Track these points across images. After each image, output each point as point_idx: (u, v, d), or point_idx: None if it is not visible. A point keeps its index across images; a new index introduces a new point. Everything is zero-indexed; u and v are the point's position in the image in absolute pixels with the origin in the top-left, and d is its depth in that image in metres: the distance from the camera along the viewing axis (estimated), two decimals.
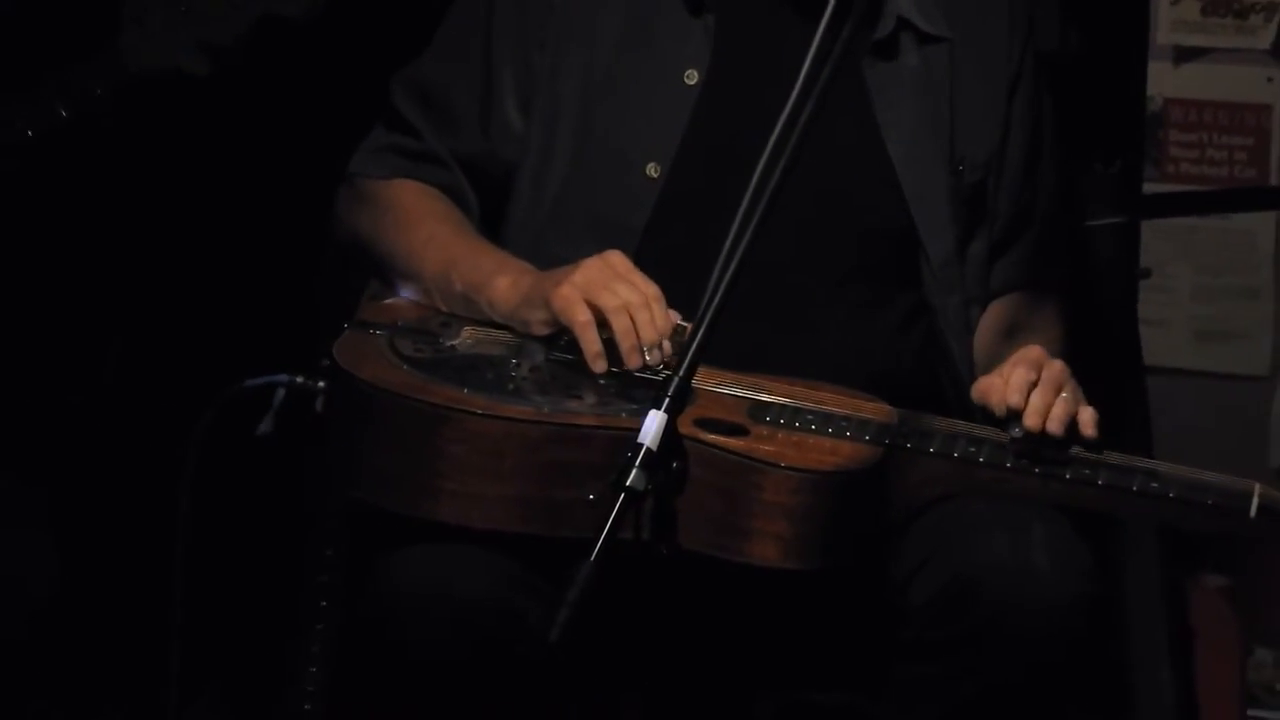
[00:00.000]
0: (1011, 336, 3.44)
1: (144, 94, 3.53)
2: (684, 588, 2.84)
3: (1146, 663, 4.02)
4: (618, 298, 3.00)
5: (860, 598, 2.97)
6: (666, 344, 2.97)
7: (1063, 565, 2.89)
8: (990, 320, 3.46)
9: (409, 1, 3.95)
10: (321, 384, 3.12)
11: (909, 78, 3.36)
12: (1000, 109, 3.46)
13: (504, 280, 3.14)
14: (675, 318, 2.99)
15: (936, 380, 3.31)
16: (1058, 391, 2.94)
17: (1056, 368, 2.97)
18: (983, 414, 3.06)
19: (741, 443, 2.80)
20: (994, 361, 3.30)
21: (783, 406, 2.94)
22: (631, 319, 3.00)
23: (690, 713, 3.15)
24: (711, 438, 2.75)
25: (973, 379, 3.24)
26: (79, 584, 4.11)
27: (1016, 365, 3.01)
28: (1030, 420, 2.90)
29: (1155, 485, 2.90)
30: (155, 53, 3.47)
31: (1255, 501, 2.83)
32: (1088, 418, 2.93)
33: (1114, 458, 2.97)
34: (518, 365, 3.08)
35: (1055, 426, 2.90)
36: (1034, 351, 3.04)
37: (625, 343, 2.99)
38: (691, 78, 3.30)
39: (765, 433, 2.87)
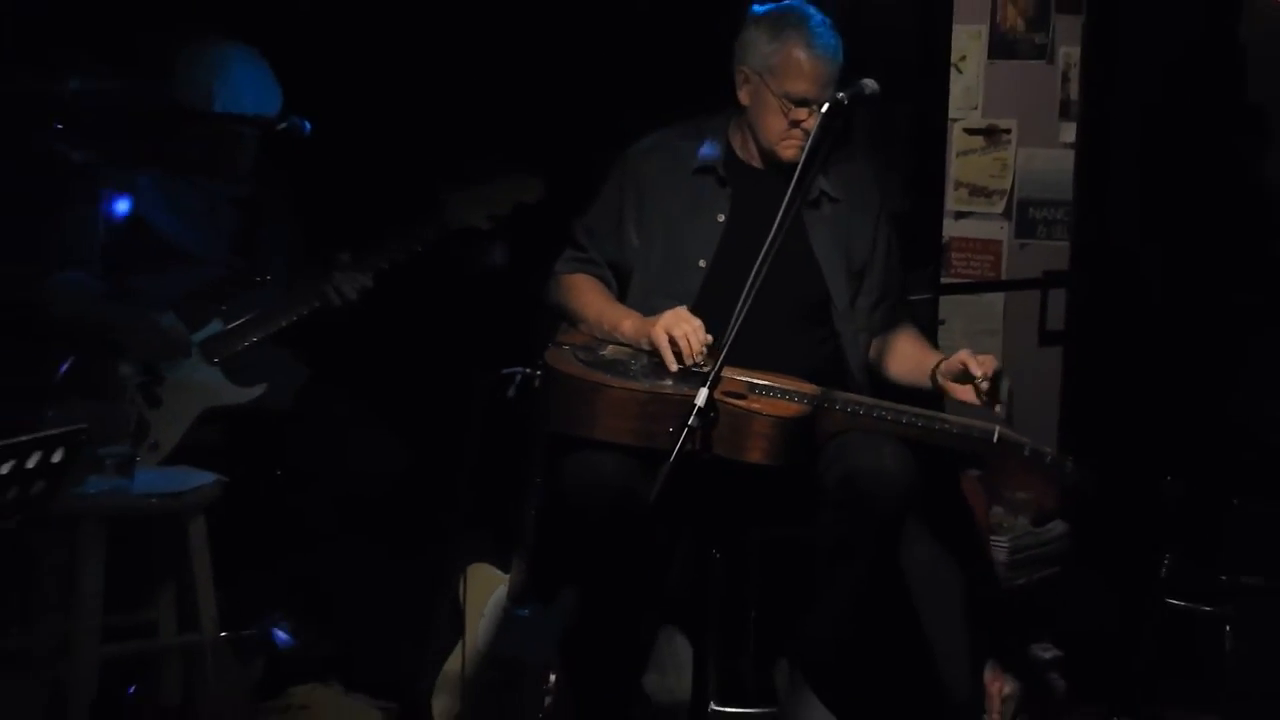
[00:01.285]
0: (892, 351, 4.26)
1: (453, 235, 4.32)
2: (715, 475, 3.60)
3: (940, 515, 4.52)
4: (680, 330, 3.85)
5: (801, 481, 3.81)
6: (703, 354, 3.80)
7: (899, 466, 3.79)
8: (879, 344, 4.28)
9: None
10: (538, 372, 4.04)
11: (826, 218, 4.15)
12: (869, 234, 4.24)
13: (627, 322, 4.05)
14: (708, 340, 3.81)
15: (840, 372, 4.13)
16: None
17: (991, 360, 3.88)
18: (868, 383, 4.14)
19: (742, 403, 3.70)
20: (886, 362, 4.26)
21: (763, 385, 3.81)
22: (687, 341, 3.83)
23: (719, 543, 3.88)
24: (729, 400, 3.59)
25: (859, 373, 4.21)
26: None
27: (970, 358, 3.87)
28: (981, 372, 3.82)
29: (945, 427, 3.86)
30: (463, 216, 4.34)
31: (996, 434, 3.78)
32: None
33: (929, 414, 3.89)
34: (633, 364, 3.95)
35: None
36: (963, 354, 3.86)
37: (683, 353, 3.83)
38: (720, 218, 4.14)
39: (755, 398, 3.75)
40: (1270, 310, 5.58)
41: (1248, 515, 5.41)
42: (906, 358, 4.20)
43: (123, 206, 4.45)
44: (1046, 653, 4.84)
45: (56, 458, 2.31)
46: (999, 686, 4.70)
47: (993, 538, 4.88)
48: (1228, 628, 5.20)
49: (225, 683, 3.70)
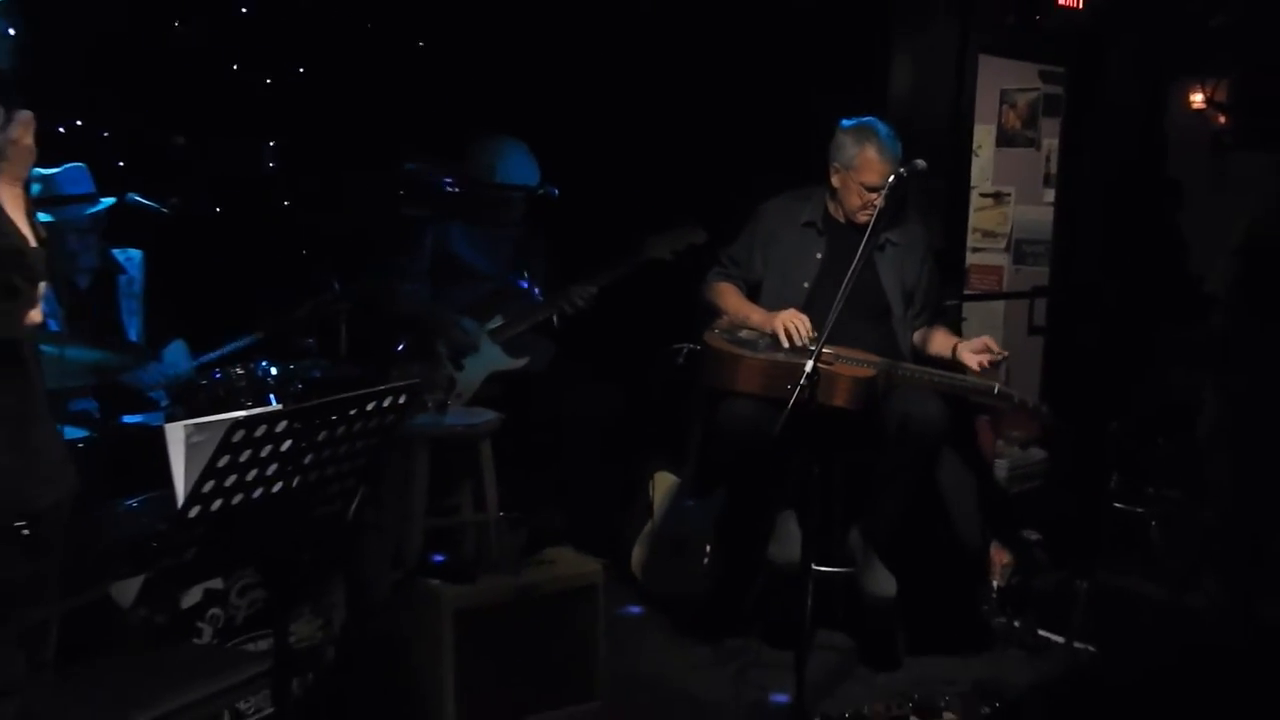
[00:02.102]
0: (930, 338, 4.11)
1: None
2: (814, 417, 3.36)
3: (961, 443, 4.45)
4: (793, 323, 3.83)
5: (870, 421, 3.79)
6: (809, 339, 3.76)
7: (937, 412, 3.77)
8: (922, 334, 4.12)
9: None
10: (698, 347, 4.03)
11: (888, 256, 4.04)
12: (918, 267, 4.11)
13: (755, 315, 4.00)
14: (812, 329, 3.79)
15: (895, 352, 3.96)
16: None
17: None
18: (917, 358, 4.01)
19: (834, 367, 3.66)
20: (926, 345, 4.11)
21: (846, 356, 3.74)
22: (797, 329, 3.82)
23: (817, 460, 3.59)
24: (823, 366, 3.45)
25: (907, 353, 4.04)
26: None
27: (974, 341, 3.87)
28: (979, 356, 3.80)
29: (963, 384, 3.80)
30: (655, 251, 4.30)
31: (996, 389, 3.74)
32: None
33: (952, 376, 3.83)
34: (760, 342, 3.89)
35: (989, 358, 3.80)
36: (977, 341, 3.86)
37: (793, 337, 3.82)
38: (818, 256, 4.06)
39: (840, 365, 3.71)
40: (1180, 314, 5.33)
41: (1167, 448, 5.35)
42: (938, 343, 4.07)
43: (440, 244, 4.46)
44: (1032, 536, 4.73)
45: (402, 401, 2.31)
46: (1000, 557, 4.57)
47: (996, 460, 4.82)
48: (1153, 523, 5.16)
49: (502, 546, 3.68)
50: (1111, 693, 3.81)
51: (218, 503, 2.03)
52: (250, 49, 4.56)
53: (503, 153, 4.39)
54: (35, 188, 3.31)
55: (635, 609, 4.46)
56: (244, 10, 4.60)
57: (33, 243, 2.21)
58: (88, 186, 3.52)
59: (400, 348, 4.30)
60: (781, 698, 3.61)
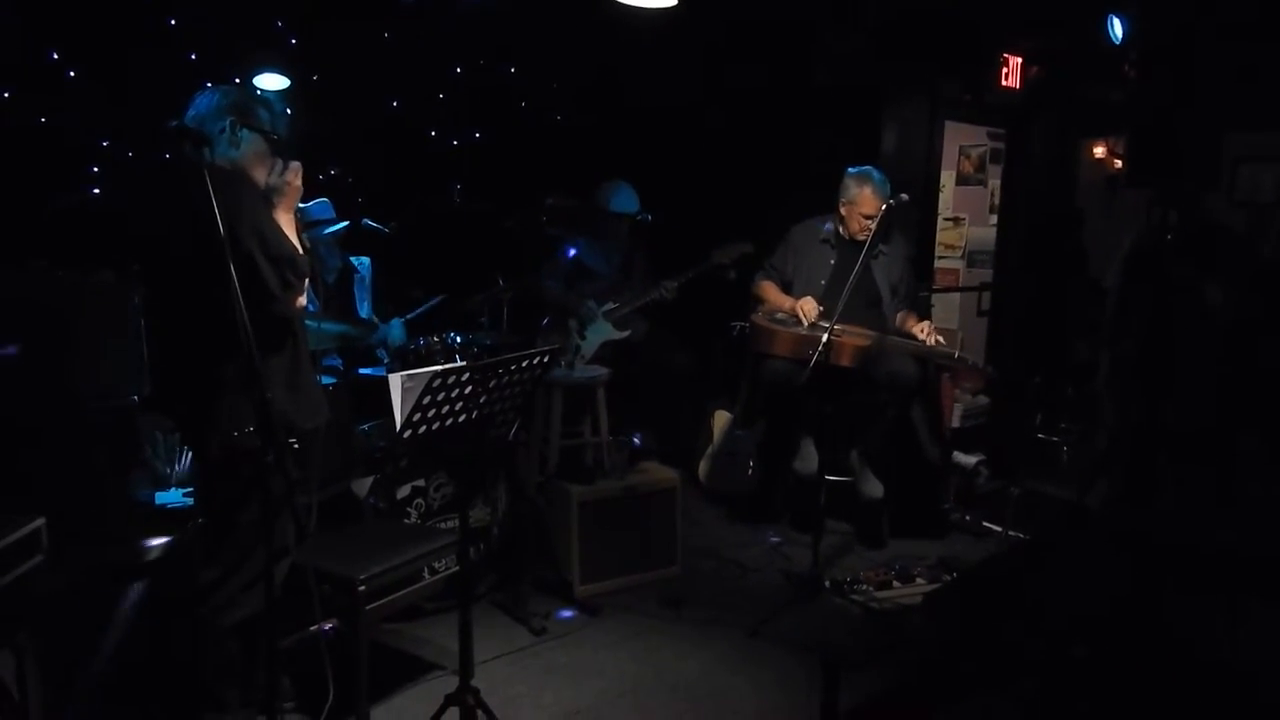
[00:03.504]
0: (906, 318, 3.88)
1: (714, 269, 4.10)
2: (828, 373, 3.32)
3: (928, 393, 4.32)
4: (809, 305, 3.73)
5: (867, 375, 3.67)
6: (815, 316, 3.69)
7: (913, 369, 3.65)
8: (902, 315, 3.88)
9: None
10: (745, 324, 3.97)
11: (880, 261, 3.88)
12: (900, 268, 3.95)
13: (788, 303, 3.86)
14: (821, 309, 3.69)
15: (885, 328, 3.75)
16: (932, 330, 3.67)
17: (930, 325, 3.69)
18: (898, 333, 3.81)
19: (841, 339, 3.52)
20: (903, 324, 3.85)
21: (851, 330, 3.60)
22: (805, 309, 3.72)
23: (830, 402, 3.55)
24: (834, 338, 3.36)
25: (892, 328, 3.81)
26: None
27: (923, 321, 3.75)
28: (930, 335, 3.65)
29: (931, 350, 3.65)
30: (718, 260, 4.09)
31: (956, 354, 3.60)
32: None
33: (922, 344, 3.67)
34: (791, 321, 3.78)
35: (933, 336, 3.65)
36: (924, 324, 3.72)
37: (806, 314, 3.72)
38: (831, 262, 3.91)
39: (846, 337, 3.58)
40: (1083, 302, 5.17)
41: (1074, 395, 5.18)
42: (909, 322, 3.85)
43: (572, 254, 4.43)
44: (977, 458, 4.55)
45: (545, 360, 2.29)
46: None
47: (953, 404, 4.60)
48: (1064, 447, 5.03)
49: (613, 459, 3.63)
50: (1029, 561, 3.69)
51: (423, 428, 2.03)
52: (440, 121, 4.60)
53: (614, 190, 4.33)
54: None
55: (714, 509, 4.39)
56: (441, 96, 4.64)
57: (301, 252, 2.24)
58: (330, 213, 3.53)
59: (544, 323, 4.27)
60: (802, 569, 3.56)
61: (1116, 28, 4.38)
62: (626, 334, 4.30)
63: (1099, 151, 5.89)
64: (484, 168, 4.63)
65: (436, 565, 2.66)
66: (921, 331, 3.72)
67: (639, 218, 4.34)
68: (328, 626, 2.40)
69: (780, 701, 2.70)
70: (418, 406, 1.97)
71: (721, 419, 4.45)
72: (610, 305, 4.30)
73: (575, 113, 4.82)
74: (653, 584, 3.49)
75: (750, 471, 4.23)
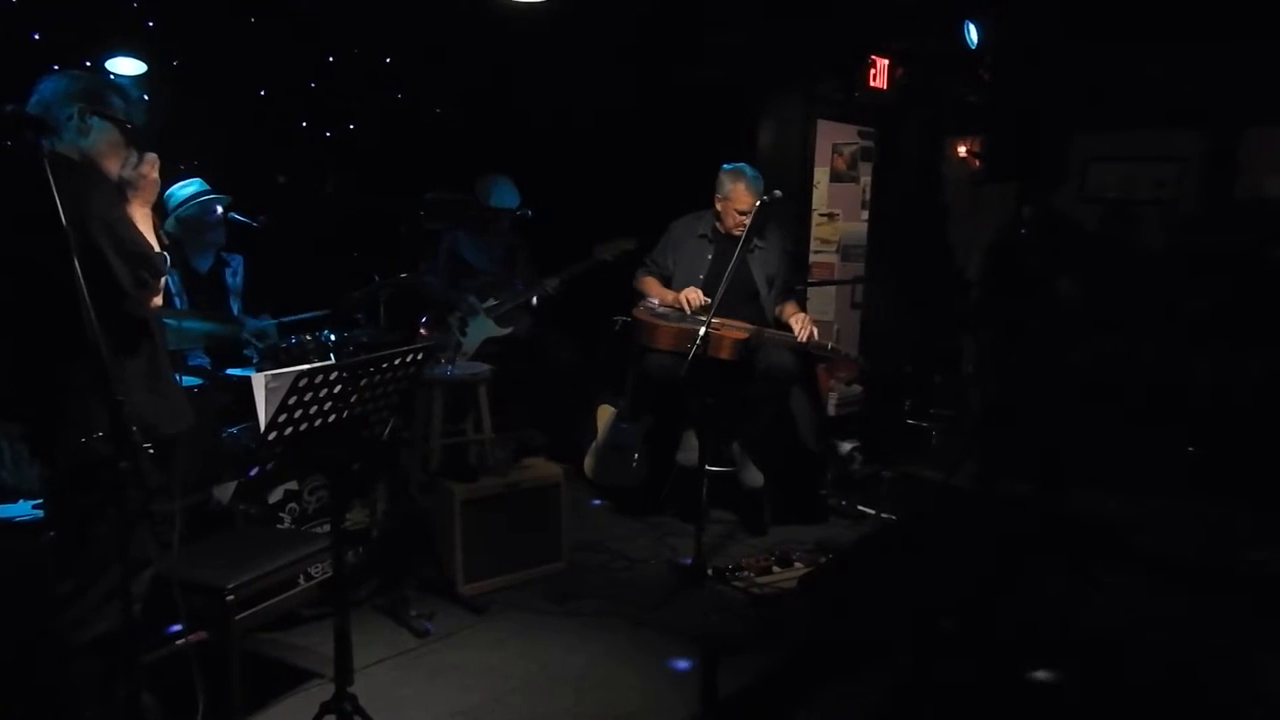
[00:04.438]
0: (783, 310, 3.97)
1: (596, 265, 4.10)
2: (707, 365, 3.45)
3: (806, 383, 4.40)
4: (694, 294, 3.77)
5: (747, 368, 3.74)
6: (700, 304, 3.72)
7: (791, 361, 3.73)
8: (779, 306, 3.97)
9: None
10: (628, 319, 3.95)
11: (757, 255, 3.94)
12: (776, 261, 4.01)
13: (669, 295, 3.90)
14: (705, 300, 3.72)
15: (763, 320, 3.86)
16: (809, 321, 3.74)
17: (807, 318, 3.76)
18: (776, 325, 3.91)
19: (720, 331, 3.60)
20: (781, 314, 3.94)
21: (729, 324, 3.68)
22: (688, 299, 3.77)
23: (710, 394, 3.61)
24: (713, 331, 3.44)
25: (771, 321, 3.91)
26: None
27: (800, 313, 3.83)
28: (805, 330, 3.71)
29: (806, 341, 3.69)
30: (601, 256, 4.10)
31: (830, 345, 3.73)
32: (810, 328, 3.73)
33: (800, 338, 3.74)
34: (672, 314, 3.82)
35: (807, 330, 3.72)
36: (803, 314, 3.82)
37: (690, 302, 3.76)
38: (709, 256, 3.97)
39: (725, 330, 3.64)
40: (948, 293, 5.40)
41: (942, 382, 5.37)
42: (786, 314, 3.95)
43: (452, 249, 4.35)
44: (852, 445, 4.71)
45: (418, 357, 2.25)
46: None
47: (829, 393, 4.74)
48: (934, 432, 5.18)
49: (495, 456, 3.62)
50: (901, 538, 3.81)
51: (289, 430, 1.97)
52: (312, 112, 4.45)
53: (494, 185, 4.28)
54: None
55: (596, 501, 4.40)
56: (313, 85, 4.49)
57: (157, 248, 2.13)
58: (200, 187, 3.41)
59: (424, 320, 4.18)
60: (687, 559, 3.59)
61: (972, 33, 4.58)
62: (509, 330, 4.25)
63: (962, 150, 6.12)
64: (359, 161, 4.50)
65: (312, 571, 2.58)
66: (797, 324, 3.80)
67: (520, 213, 4.29)
68: (195, 639, 2.29)
69: (666, 689, 2.73)
70: (283, 407, 1.91)
71: (606, 413, 4.46)
72: (492, 302, 4.25)
73: (454, 106, 4.73)
74: (540, 580, 3.47)
75: (636, 464, 4.25)
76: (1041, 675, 2.51)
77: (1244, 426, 4.44)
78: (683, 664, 2.71)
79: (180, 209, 3.41)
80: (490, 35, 4.44)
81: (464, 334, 4.17)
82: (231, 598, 2.31)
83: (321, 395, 1.99)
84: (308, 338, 3.29)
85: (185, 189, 3.45)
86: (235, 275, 3.74)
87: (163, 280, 2.17)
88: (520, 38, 4.43)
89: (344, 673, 2.24)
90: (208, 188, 3.47)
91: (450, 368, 3.76)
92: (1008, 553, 3.21)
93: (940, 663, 2.53)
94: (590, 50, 4.72)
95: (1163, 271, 5.21)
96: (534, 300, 4.28)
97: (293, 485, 3.06)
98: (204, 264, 3.56)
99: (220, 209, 3.46)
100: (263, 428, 1.97)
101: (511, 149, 4.54)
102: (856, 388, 5.20)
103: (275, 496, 3.02)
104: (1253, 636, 3.08)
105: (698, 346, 3.27)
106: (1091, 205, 6.05)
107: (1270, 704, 2.62)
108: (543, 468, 3.62)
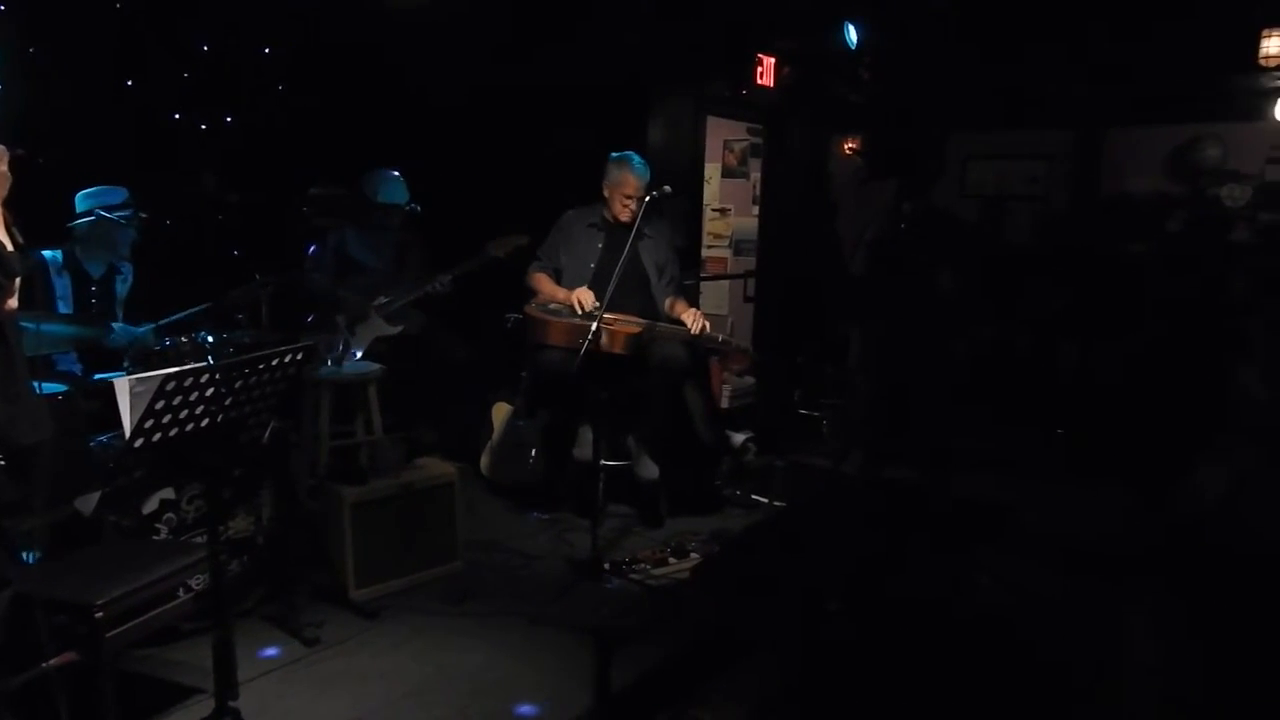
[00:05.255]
0: (673, 304, 3.99)
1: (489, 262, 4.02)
2: (600, 360, 3.46)
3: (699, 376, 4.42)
4: (586, 296, 3.76)
5: (640, 362, 3.74)
6: (591, 306, 3.70)
7: (684, 354, 3.76)
8: (669, 300, 3.99)
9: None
10: (519, 315, 3.92)
11: (647, 244, 3.96)
12: (666, 252, 4.05)
13: (560, 293, 3.89)
14: (596, 301, 3.70)
15: (655, 314, 3.90)
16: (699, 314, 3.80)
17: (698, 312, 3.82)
18: (668, 318, 3.92)
19: (613, 326, 3.61)
20: (671, 309, 3.96)
21: (621, 319, 3.70)
22: (581, 300, 3.76)
23: (605, 388, 3.53)
24: (606, 326, 3.50)
25: (662, 315, 3.93)
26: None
27: (690, 308, 3.88)
28: (697, 323, 3.76)
29: (699, 334, 3.77)
30: (493, 252, 4.02)
31: (722, 337, 3.79)
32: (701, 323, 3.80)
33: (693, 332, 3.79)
34: (564, 311, 3.80)
35: (699, 323, 3.77)
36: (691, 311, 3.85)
37: (583, 304, 3.74)
38: (599, 245, 3.97)
39: (618, 325, 3.66)
40: (836, 286, 5.50)
41: (832, 372, 5.50)
42: (678, 309, 3.98)
43: (339, 247, 4.24)
44: (745, 435, 4.78)
45: (298, 357, 2.20)
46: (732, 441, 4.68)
47: (723, 385, 4.79)
48: (824, 421, 5.33)
49: (386, 457, 3.54)
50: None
51: (157, 435, 1.88)
52: (186, 103, 4.27)
53: (381, 180, 4.18)
54: None
55: (496, 501, 4.34)
56: (185, 75, 4.29)
57: (10, 248, 1.98)
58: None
59: (310, 319, 4.05)
60: (584, 554, 3.58)
61: (851, 34, 4.72)
62: (400, 329, 4.16)
63: (848, 148, 6.37)
64: (238, 154, 4.33)
65: (193, 583, 2.45)
66: (689, 318, 3.83)
67: (409, 209, 4.21)
68: (61, 661, 2.15)
69: (564, 684, 2.72)
70: (150, 412, 1.82)
71: (502, 410, 4.41)
72: (382, 300, 4.15)
73: (338, 98, 4.57)
74: (435, 581, 3.41)
75: (533, 461, 4.22)
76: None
77: (1105, 409, 4.69)
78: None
79: (90, 217, 3.33)
80: (376, 26, 4.34)
81: (353, 333, 4.06)
82: (101, 615, 2.17)
83: (192, 399, 1.90)
84: (183, 340, 3.13)
85: (107, 196, 3.37)
86: (125, 282, 3.61)
87: (16, 282, 2.01)
88: (408, 29, 4.33)
89: (226, 686, 2.17)
90: (127, 198, 3.39)
91: (339, 368, 3.66)
92: (893, 535, 3.33)
93: (829, 644, 2.59)
94: (482, 44, 4.66)
95: (1033, 264, 5.52)
96: (428, 298, 4.17)
97: (170, 494, 2.90)
98: (96, 270, 3.45)
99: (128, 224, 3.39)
100: (127, 434, 1.86)
101: (400, 144, 4.43)
102: (749, 379, 5.30)
103: (150, 506, 2.85)
104: (1119, 610, 3.22)
105: (590, 342, 3.26)
106: (970, 201, 6.37)
107: (1131, 672, 2.76)
108: (436, 467, 3.56)
